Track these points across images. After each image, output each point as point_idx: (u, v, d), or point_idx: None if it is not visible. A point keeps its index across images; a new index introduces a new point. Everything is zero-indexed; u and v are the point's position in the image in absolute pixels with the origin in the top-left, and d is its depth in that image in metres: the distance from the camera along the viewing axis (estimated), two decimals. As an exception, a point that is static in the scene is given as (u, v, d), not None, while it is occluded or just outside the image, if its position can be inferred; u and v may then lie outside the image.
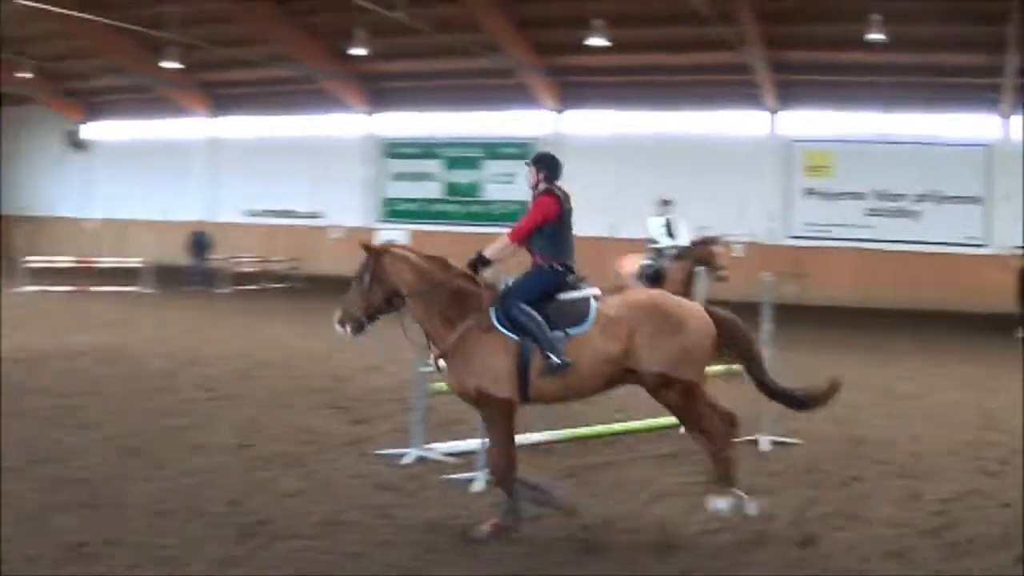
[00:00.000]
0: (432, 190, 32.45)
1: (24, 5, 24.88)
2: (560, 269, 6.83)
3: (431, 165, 32.33)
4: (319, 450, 8.71)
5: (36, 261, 24.08)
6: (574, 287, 6.85)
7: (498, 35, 27.05)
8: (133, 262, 25.29)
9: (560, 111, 30.32)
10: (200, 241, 26.99)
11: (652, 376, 6.58)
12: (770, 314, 9.31)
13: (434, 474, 7.94)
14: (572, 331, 6.57)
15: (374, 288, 6.81)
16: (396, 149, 32.88)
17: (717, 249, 14.80)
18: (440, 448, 8.46)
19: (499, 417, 6.58)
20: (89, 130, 38.39)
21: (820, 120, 27.62)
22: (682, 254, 14.73)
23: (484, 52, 27.13)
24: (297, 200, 33.88)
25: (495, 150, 31.25)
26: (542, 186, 6.94)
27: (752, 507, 6.73)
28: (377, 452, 8.59)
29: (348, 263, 27.74)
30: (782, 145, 27.78)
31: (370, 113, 33.02)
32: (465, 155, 31.77)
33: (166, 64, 28.92)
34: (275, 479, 7.61)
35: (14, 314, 18.36)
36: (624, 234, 25.27)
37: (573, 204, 6.89)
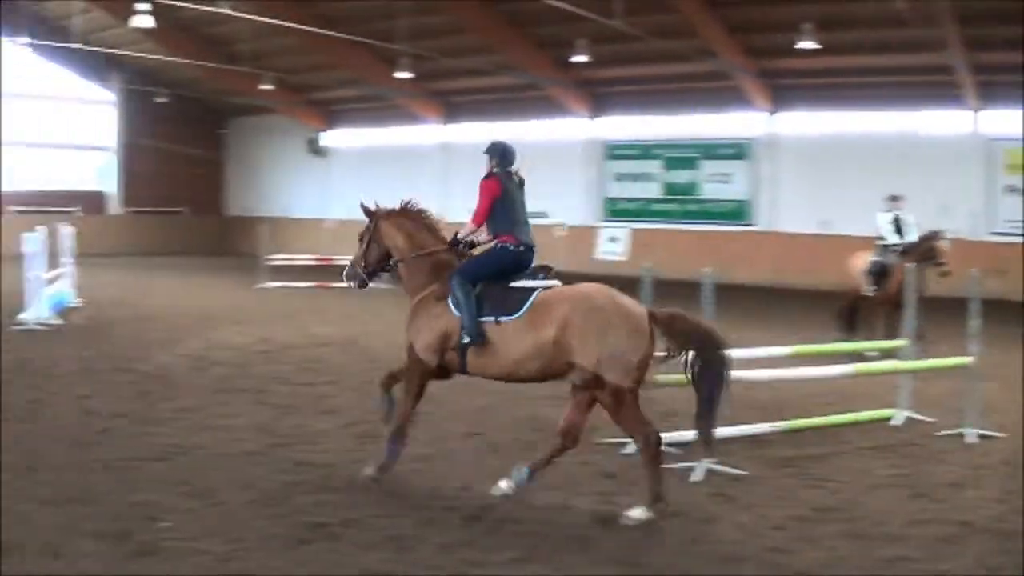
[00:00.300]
0: (651, 190, 32.92)
1: (266, 22, 26.95)
2: (513, 248, 7.20)
3: (650, 166, 32.83)
4: (546, 438, 8.78)
5: (279, 259, 25.52)
6: (533, 276, 7.15)
7: (712, 40, 27.35)
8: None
9: (772, 112, 30.33)
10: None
11: (586, 373, 6.68)
12: (977, 310, 9.26)
13: (656, 463, 8.20)
14: (503, 318, 6.91)
15: (371, 248, 7.74)
16: (617, 151, 33.53)
17: (942, 244, 14.59)
18: (663, 438, 8.49)
19: (413, 374, 7.40)
20: (328, 137, 40.79)
21: (1020, 119, 26.68)
22: (908, 250, 14.60)
23: (699, 57, 27.52)
24: (543, 203, 34.81)
25: (712, 151, 31.56)
26: (494, 172, 7.45)
27: (637, 515, 6.58)
28: (601, 441, 8.78)
29: (572, 260, 28.40)
30: (983, 143, 27.22)
31: (592, 117, 33.80)
32: (683, 156, 32.14)
33: (400, 75, 30.59)
34: (503, 466, 7.78)
35: (259, 309, 19.87)
36: (835, 231, 26.48)
37: (526, 185, 7.45)
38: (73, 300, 18.98)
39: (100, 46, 32.96)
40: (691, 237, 31.07)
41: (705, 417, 6.88)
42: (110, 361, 12.98)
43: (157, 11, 25.54)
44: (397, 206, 8.02)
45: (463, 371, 7.30)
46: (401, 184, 37.12)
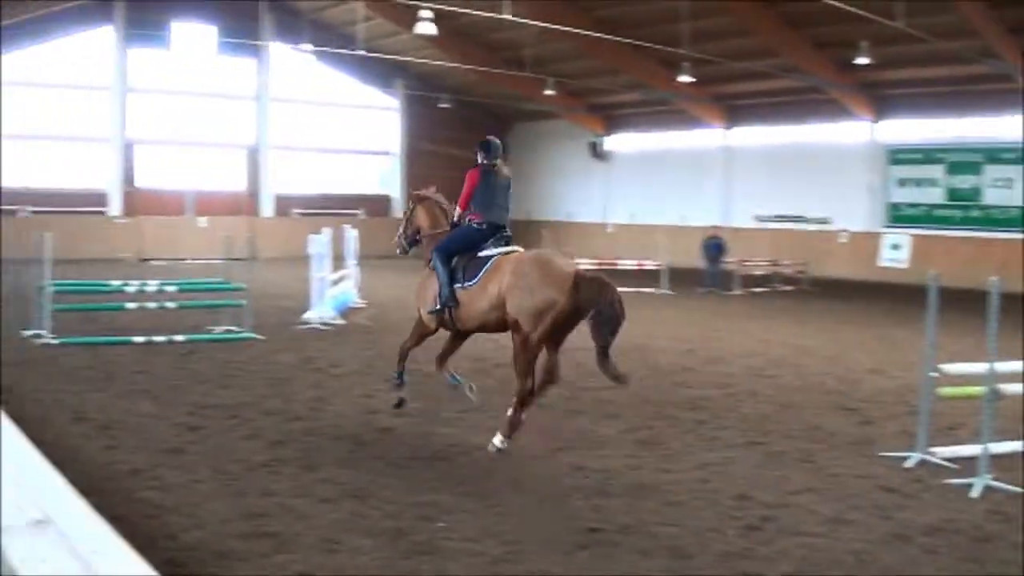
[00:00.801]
0: (935, 195, 31.48)
1: (548, 27, 27.42)
2: (480, 227, 8.95)
3: (933, 171, 31.39)
4: (826, 448, 8.82)
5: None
6: (495, 245, 8.88)
7: (994, 41, 25.69)
8: (651, 264, 26.62)
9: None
10: (714, 245, 27.76)
11: (511, 319, 8.32)
12: None
13: (935, 478, 7.85)
14: (468, 284, 8.75)
15: (408, 225, 9.85)
16: (899, 155, 32.27)
17: None
18: (942, 452, 8.35)
19: (416, 327, 9.44)
20: (610, 141, 41.14)
21: None
22: None
23: (980, 58, 25.92)
24: (805, 205, 34.09)
25: (995, 155, 29.86)
26: (480, 163, 9.17)
27: (497, 443, 8.33)
28: (881, 454, 8.59)
29: (854, 267, 27.11)
30: None
31: (875, 120, 32.64)
32: (966, 160, 30.57)
33: (682, 78, 30.41)
34: (783, 475, 7.76)
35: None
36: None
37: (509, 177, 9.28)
38: (356, 301, 19.96)
39: (383, 53, 34.72)
40: (971, 244, 29.66)
41: (603, 362, 8.26)
42: (390, 361, 13.26)
43: (439, 17, 26.52)
44: (430, 192, 9.99)
45: (452, 327, 9.09)
46: (682, 188, 37.45)
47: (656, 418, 10.03)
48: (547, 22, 27.14)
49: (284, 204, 39.07)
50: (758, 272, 28.53)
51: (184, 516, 6.53)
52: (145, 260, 33.21)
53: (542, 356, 8.56)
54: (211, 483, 7.37)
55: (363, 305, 19.85)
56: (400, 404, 9.58)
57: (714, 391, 11.68)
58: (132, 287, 15.24)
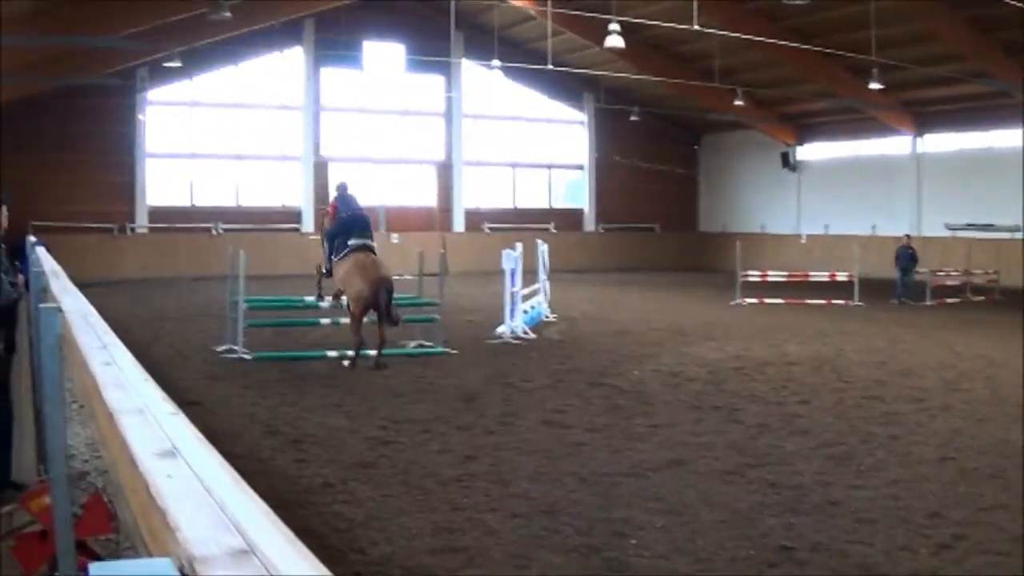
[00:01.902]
0: None
1: (736, 37, 26.95)
2: (340, 216, 14.89)
3: None
4: (1019, 464, 8.39)
5: (752, 275, 25.58)
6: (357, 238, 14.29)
7: None
8: (842, 275, 25.82)
9: None
10: (907, 255, 26.79)
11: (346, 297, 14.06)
12: None
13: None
14: (335, 258, 14.50)
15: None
16: None
17: None
18: None
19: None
20: (800, 151, 40.18)
21: None
22: None
23: None
24: (997, 214, 32.26)
25: None
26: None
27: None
28: None
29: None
30: None
31: None
32: None
33: (872, 85, 29.36)
34: (976, 493, 7.52)
35: (732, 325, 19.77)
36: None
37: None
38: (547, 314, 20.00)
39: (572, 67, 34.84)
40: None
41: (383, 323, 13.79)
42: (583, 375, 13.41)
43: (627, 30, 26.42)
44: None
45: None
46: (873, 197, 36.16)
47: (848, 433, 9.79)
48: (736, 32, 26.68)
49: (475, 219, 39.69)
50: (950, 283, 27.47)
51: (374, 530, 6.56)
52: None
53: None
54: (402, 497, 7.41)
55: (554, 319, 19.88)
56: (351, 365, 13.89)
57: (906, 405, 11.31)
58: (324, 302, 15.68)
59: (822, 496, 7.44)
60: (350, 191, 15.47)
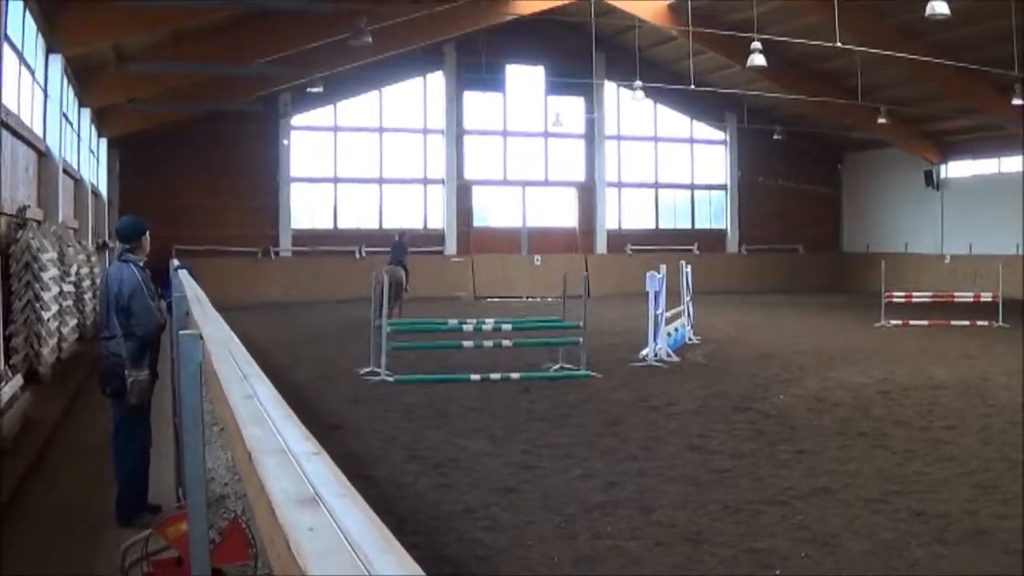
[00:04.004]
0: None
1: (878, 53, 26.20)
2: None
3: None
4: None
5: (897, 296, 24.81)
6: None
7: None
8: (986, 296, 24.83)
9: None
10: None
11: None
12: None
13: None
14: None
15: None
16: None
17: None
18: None
19: None
20: (944, 169, 38.90)
21: None
22: None
23: None
24: None
25: None
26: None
27: None
28: None
29: None
30: None
31: None
32: None
33: (1016, 101, 28.12)
34: None
35: (877, 348, 19.19)
36: None
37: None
38: (691, 337, 19.71)
39: (713, 86, 34.41)
40: None
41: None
42: (727, 400, 13.19)
43: (768, 48, 25.97)
44: None
45: None
46: (1017, 216, 34.55)
47: (995, 460, 9.43)
48: (878, 48, 25.94)
49: (617, 240, 39.51)
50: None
51: (515, 558, 6.50)
52: (480, 298, 34.56)
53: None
54: (543, 524, 7.35)
55: (698, 342, 19.60)
56: None
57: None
58: (468, 325, 15.74)
59: (969, 525, 7.22)
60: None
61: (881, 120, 33.48)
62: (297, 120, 35.76)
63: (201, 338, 3.35)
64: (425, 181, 37.58)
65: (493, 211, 39.53)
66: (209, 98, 28.53)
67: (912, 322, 23.38)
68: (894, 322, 23.51)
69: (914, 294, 26.11)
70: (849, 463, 9.41)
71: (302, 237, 35.55)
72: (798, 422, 11.61)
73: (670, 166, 41.19)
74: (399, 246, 26.99)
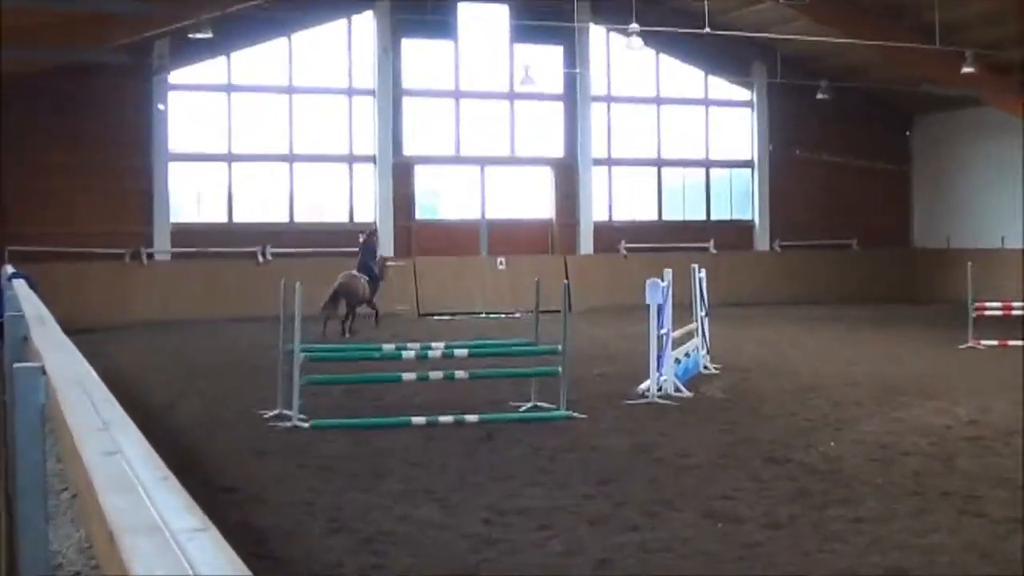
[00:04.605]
0: None
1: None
2: None
3: None
4: None
5: (992, 307, 24.85)
6: None
7: None
8: None
9: None
10: None
11: None
12: None
13: None
14: None
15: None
16: None
17: None
18: None
19: None
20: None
21: None
22: None
23: None
24: None
25: None
26: None
27: None
28: None
29: None
30: None
31: None
32: None
33: None
34: None
35: (964, 377, 19.44)
36: None
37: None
38: (707, 364, 19.75)
39: (736, 30, 34.49)
40: None
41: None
42: (757, 448, 13.26)
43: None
44: None
45: None
46: None
47: None
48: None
49: (607, 236, 39.48)
50: None
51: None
52: (426, 315, 34.48)
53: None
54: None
55: (717, 371, 19.68)
56: None
57: None
58: (410, 352, 15.67)
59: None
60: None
61: (967, 69, 33.53)
62: (178, 76, 35.42)
63: (44, 373, 3.28)
64: (350, 159, 37.44)
65: (442, 199, 39.53)
66: (55, 44, 28.13)
67: (1012, 343, 23.50)
68: (986, 342, 23.75)
69: (1014, 305, 25.99)
70: (929, 535, 9.46)
71: (185, 234, 35.21)
72: (855, 478, 11.65)
73: (678, 137, 41.30)
74: (367, 248, 27.50)
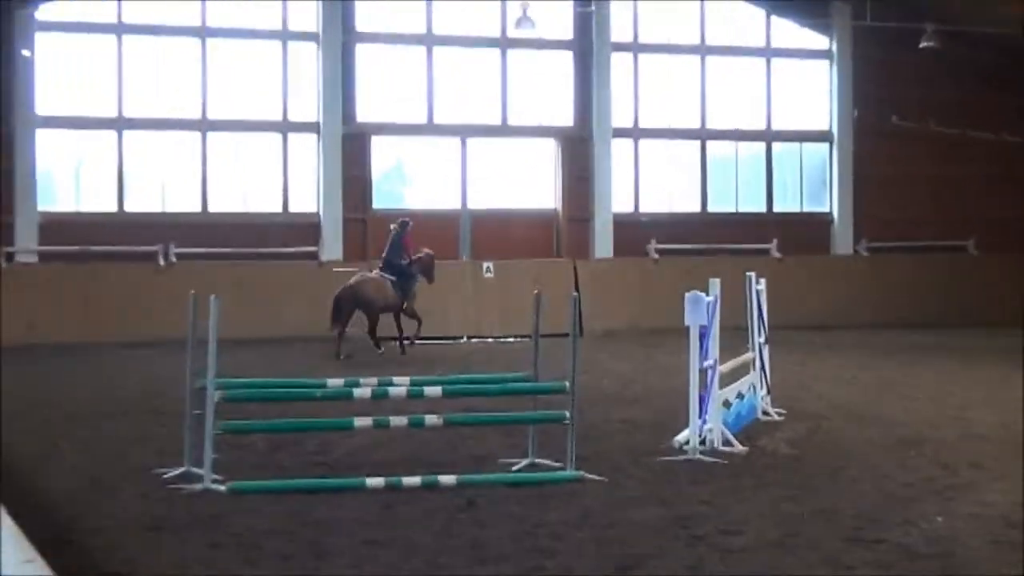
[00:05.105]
0: None
1: None
2: None
3: None
4: None
5: None
6: None
7: None
8: None
9: None
10: None
11: None
12: None
13: None
14: None
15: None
16: None
17: None
18: None
19: None
20: None
21: None
22: None
23: None
24: None
25: None
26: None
27: None
28: None
29: None
30: None
31: None
32: None
33: None
34: None
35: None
36: None
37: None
38: (766, 409, 19.78)
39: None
40: None
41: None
42: (836, 523, 13.20)
43: None
44: None
45: None
46: None
47: None
48: None
49: (631, 233, 39.57)
50: None
51: None
52: (384, 339, 34.47)
53: None
54: None
55: (780, 416, 19.71)
56: None
57: None
58: (364, 389, 15.65)
59: None
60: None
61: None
62: (48, 11, 35.51)
63: None
64: (285, 127, 37.60)
65: (408, 182, 39.64)
66: None
67: None
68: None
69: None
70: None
71: (58, 227, 35.34)
72: (974, 565, 11.61)
73: (729, 99, 41.49)
74: (395, 242, 28.34)
